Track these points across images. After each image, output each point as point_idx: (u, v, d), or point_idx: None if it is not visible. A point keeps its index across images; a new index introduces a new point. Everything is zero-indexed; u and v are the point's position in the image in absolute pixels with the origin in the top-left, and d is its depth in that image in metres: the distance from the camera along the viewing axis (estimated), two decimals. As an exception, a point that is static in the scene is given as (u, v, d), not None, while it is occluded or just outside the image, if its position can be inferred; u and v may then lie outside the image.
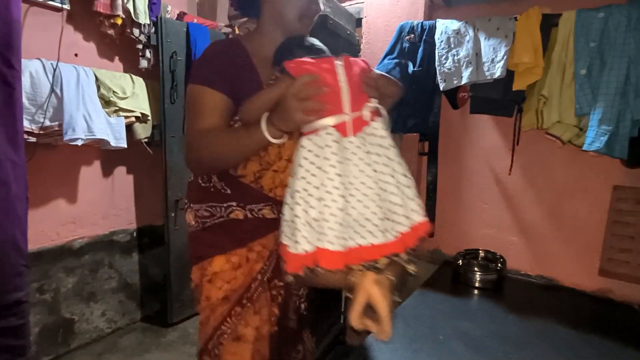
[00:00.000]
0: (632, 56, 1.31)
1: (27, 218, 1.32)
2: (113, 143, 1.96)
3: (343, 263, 0.70)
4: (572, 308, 1.64)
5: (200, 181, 0.95)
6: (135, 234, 2.37)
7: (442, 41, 1.66)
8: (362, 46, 2.07)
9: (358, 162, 0.72)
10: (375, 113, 0.77)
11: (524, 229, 1.81)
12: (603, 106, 1.34)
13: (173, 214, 2.27)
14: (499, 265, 1.78)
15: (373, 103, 0.77)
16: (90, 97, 1.90)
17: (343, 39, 1.92)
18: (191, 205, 0.98)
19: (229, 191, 0.92)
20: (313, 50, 0.87)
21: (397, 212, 0.73)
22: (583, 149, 1.39)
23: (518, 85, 1.52)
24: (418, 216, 0.75)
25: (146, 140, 2.20)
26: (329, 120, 0.73)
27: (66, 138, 1.76)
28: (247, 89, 0.85)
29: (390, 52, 1.77)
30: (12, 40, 1.20)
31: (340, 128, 0.73)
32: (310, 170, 0.72)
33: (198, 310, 0.96)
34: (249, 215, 0.92)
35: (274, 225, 0.88)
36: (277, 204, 0.89)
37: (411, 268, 0.77)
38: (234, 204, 0.92)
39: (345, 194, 0.71)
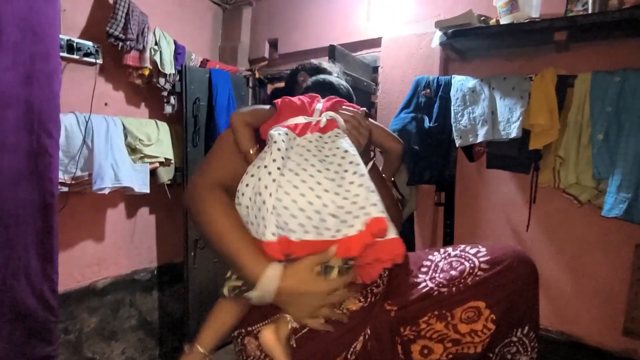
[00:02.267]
0: (650, 123, 1.31)
1: (58, 277, 1.39)
2: (137, 189, 2.04)
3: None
4: (594, 369, 1.59)
5: None
6: (155, 272, 2.44)
7: (457, 98, 1.69)
8: (378, 95, 2.12)
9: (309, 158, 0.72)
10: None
11: (542, 282, 1.77)
12: (622, 172, 1.34)
13: (193, 253, 2.33)
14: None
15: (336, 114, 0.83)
16: (118, 146, 2.00)
17: (361, 91, 1.98)
18: (248, 329, 0.83)
19: None
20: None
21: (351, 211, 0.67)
22: (602, 214, 1.38)
23: (534, 145, 1.53)
24: (376, 212, 0.66)
25: (169, 182, 2.29)
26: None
27: (95, 188, 1.85)
28: None
29: (406, 106, 1.81)
30: (54, 113, 1.30)
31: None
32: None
33: None
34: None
35: (361, 323, 0.79)
36: (364, 289, 0.81)
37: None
38: None
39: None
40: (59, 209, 1.71)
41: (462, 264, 0.84)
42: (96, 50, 1.98)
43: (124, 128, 2.06)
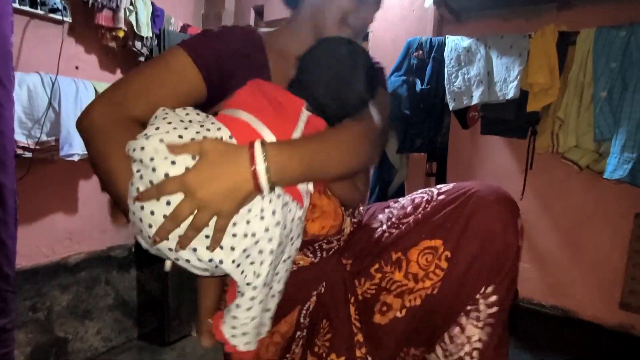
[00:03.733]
0: (658, 79, 1.22)
1: (16, 241, 1.27)
2: (111, 158, 1.91)
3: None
4: (590, 344, 1.53)
5: None
6: (133, 249, 2.31)
7: (451, 59, 1.59)
8: (368, 61, 2.00)
9: None
10: None
11: (537, 255, 1.70)
12: (626, 132, 1.25)
13: (172, 230, 2.22)
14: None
15: None
16: (89, 111, 1.86)
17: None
18: None
19: None
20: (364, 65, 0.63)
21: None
22: (604, 177, 1.30)
23: (532, 106, 1.44)
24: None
25: (146, 154, 2.15)
26: None
27: (62, 153, 1.71)
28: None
29: (397, 69, 1.70)
30: (5, 59, 1.16)
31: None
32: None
33: None
34: None
35: (314, 280, 0.72)
36: (311, 245, 0.70)
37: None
38: None
39: None
40: (21, 175, 1.59)
41: (421, 197, 0.70)
42: (64, 7, 1.83)
43: (96, 92, 1.92)
